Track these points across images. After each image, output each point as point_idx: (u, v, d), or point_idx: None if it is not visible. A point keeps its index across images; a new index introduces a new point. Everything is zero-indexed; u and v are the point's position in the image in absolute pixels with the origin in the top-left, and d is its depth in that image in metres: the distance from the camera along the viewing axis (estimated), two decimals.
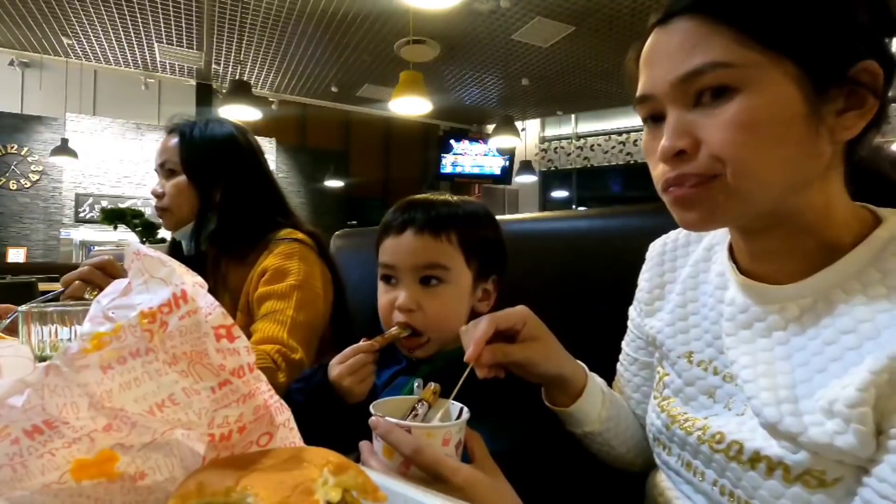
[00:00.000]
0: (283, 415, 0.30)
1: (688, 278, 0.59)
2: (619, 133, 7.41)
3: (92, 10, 4.71)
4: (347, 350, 0.64)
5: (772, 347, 0.46)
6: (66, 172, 5.91)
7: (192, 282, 0.28)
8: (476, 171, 7.93)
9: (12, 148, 5.86)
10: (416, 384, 0.60)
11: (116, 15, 4.78)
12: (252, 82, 6.28)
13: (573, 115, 7.84)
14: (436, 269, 0.67)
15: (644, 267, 0.67)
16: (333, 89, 6.78)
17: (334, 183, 7.38)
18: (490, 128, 7.73)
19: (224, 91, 5.84)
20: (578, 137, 7.85)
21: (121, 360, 0.24)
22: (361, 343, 0.65)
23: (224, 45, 5.44)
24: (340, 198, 7.64)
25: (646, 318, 0.64)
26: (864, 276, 0.42)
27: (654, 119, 0.48)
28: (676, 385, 0.56)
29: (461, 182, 7.95)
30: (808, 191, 0.44)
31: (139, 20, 4.88)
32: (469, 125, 8.41)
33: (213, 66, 5.96)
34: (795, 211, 0.45)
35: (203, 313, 0.26)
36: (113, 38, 5.29)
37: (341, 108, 7.54)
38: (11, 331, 0.77)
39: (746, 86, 0.41)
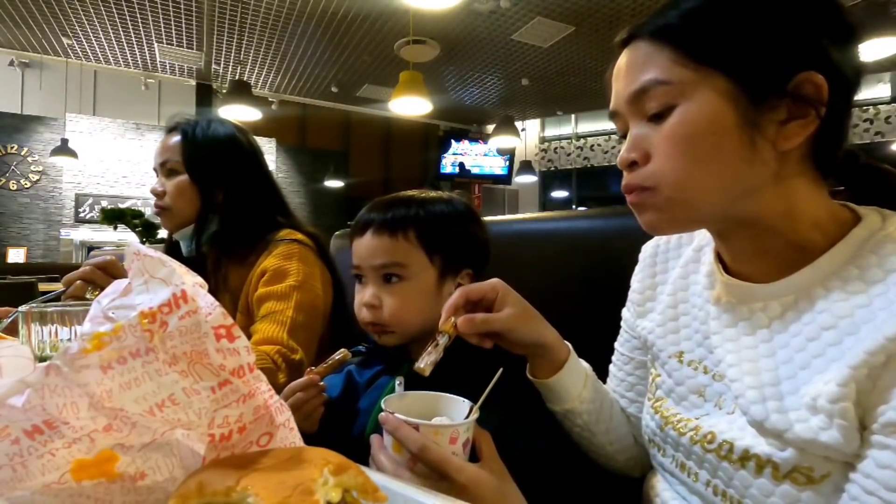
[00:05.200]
0: (283, 415, 0.30)
1: (678, 279, 0.60)
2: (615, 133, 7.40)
3: (92, 11, 4.71)
4: (287, 389, 0.64)
5: (756, 345, 0.47)
6: (66, 172, 5.91)
7: (192, 282, 0.28)
8: (476, 171, 7.93)
9: (12, 148, 5.87)
10: (397, 382, 0.61)
11: (116, 15, 4.78)
12: (252, 82, 6.28)
13: (573, 116, 7.84)
14: (393, 266, 0.70)
15: (637, 268, 0.67)
16: (333, 89, 6.78)
17: (334, 183, 7.38)
18: (490, 128, 7.74)
19: (224, 91, 5.84)
20: (578, 137, 7.85)
21: (121, 360, 0.24)
22: (301, 380, 0.65)
23: (224, 46, 5.44)
24: (340, 198, 7.64)
25: (637, 318, 0.64)
26: (844, 273, 0.43)
27: (625, 135, 0.51)
28: (668, 385, 0.56)
29: (461, 182, 7.95)
30: (760, 197, 0.45)
31: (139, 20, 4.88)
32: (469, 125, 8.42)
33: (213, 66, 5.97)
34: (751, 215, 0.46)
35: (203, 313, 0.26)
36: (113, 39, 5.29)
37: (341, 108, 7.54)
38: (12, 331, 0.77)
39: (682, 101, 0.44)
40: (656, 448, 0.57)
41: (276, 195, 1.15)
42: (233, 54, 5.66)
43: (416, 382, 0.60)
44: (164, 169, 1.09)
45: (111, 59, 5.81)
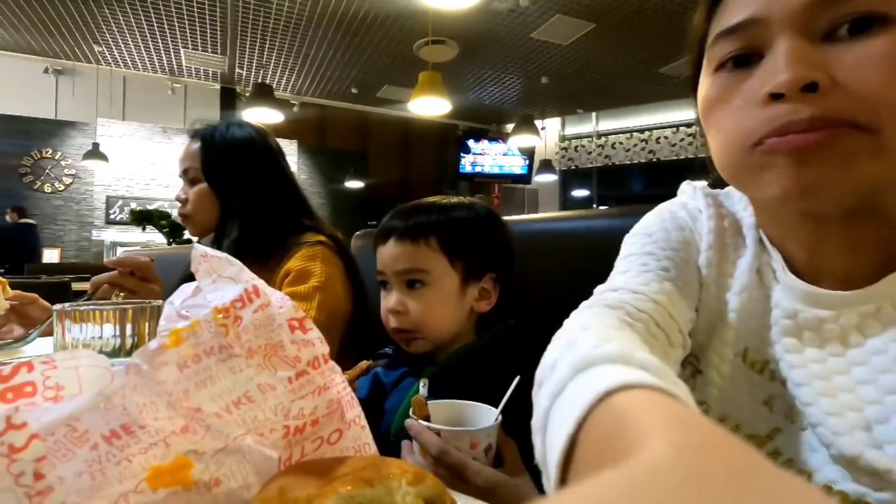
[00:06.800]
0: (354, 410, 0.30)
1: (749, 269, 0.47)
2: (641, 131, 7.29)
3: (121, 18, 4.84)
4: None
5: (824, 359, 0.40)
6: (98, 175, 6.08)
7: (259, 280, 0.28)
8: (495, 170, 7.90)
9: (47, 152, 6.06)
10: (421, 384, 0.63)
11: (144, 22, 4.90)
12: (274, 85, 6.37)
13: (594, 114, 7.75)
14: (416, 273, 0.71)
15: (705, 217, 0.49)
16: (353, 91, 6.83)
17: (354, 183, 7.44)
18: (509, 127, 7.70)
19: (247, 94, 5.93)
20: (599, 136, 7.75)
21: (196, 359, 0.24)
22: None
23: (247, 50, 5.53)
24: (360, 198, 7.70)
25: (714, 287, 0.47)
26: None
27: (739, 61, 0.37)
28: (721, 389, 0.47)
29: (480, 182, 7.93)
30: None
31: (166, 27, 4.99)
32: (488, 125, 8.39)
33: (237, 70, 6.07)
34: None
35: (275, 306, 0.26)
36: (141, 45, 5.43)
37: (361, 109, 7.60)
38: (48, 332, 0.78)
39: None
40: None
41: (297, 196, 1.15)
42: (255, 58, 5.75)
43: (439, 384, 0.62)
44: (187, 177, 1.10)
45: (139, 65, 5.96)
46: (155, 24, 4.95)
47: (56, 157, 6.09)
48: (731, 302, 0.46)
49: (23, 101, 5.96)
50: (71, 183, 6.16)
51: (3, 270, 4.06)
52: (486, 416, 0.56)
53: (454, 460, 0.50)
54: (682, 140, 6.97)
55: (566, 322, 0.38)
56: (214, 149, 1.08)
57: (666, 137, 7.12)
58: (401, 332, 0.72)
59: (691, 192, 0.53)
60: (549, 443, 0.25)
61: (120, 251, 5.32)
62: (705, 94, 0.41)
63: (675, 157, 7.02)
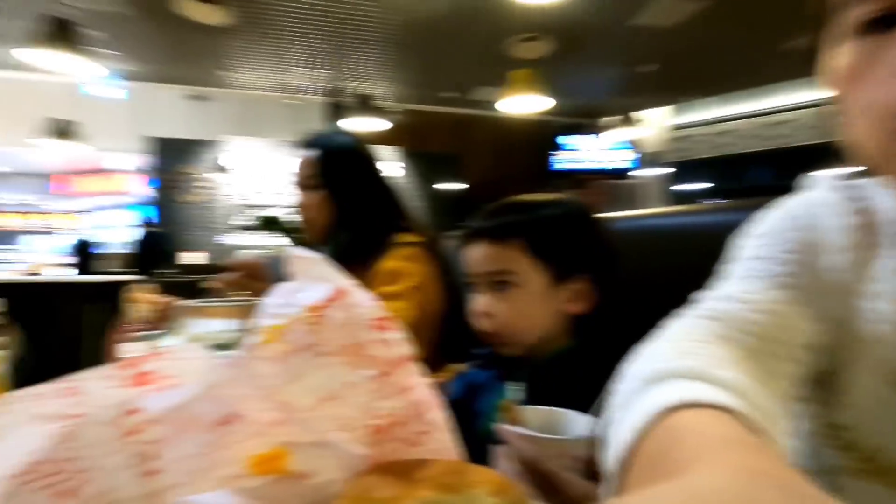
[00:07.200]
0: (439, 412, 0.29)
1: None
2: (766, 114, 6.49)
3: (244, 46, 5.47)
4: None
5: None
6: (223, 187, 6.93)
7: (348, 280, 0.29)
8: (595, 166, 7.56)
9: (185, 168, 7.03)
10: (513, 388, 0.61)
11: (262, 47, 5.48)
12: (374, 95, 6.72)
13: (705, 100, 7.08)
14: (502, 274, 0.69)
15: (837, 213, 0.42)
16: (448, 94, 6.97)
17: (451, 185, 7.60)
18: (610, 120, 7.32)
19: (350, 105, 6.34)
20: (713, 123, 7.06)
21: (289, 355, 0.25)
22: None
23: (348, 64, 5.91)
24: (457, 199, 7.81)
25: (850, 295, 0.41)
26: None
27: (880, 24, 0.32)
28: (866, 411, 0.40)
29: (579, 179, 7.63)
30: None
31: (279, 50, 5.54)
32: (587, 119, 8.05)
33: (340, 83, 6.52)
34: None
35: (362, 307, 0.26)
36: (259, 68, 6.08)
37: (456, 111, 7.73)
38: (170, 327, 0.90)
39: None
40: None
41: (397, 201, 1.19)
42: (356, 71, 6.12)
43: (531, 388, 0.60)
44: (301, 185, 1.19)
45: (257, 85, 6.68)
46: (272, 49, 5.51)
47: (191, 172, 7.02)
48: (874, 311, 0.40)
49: (165, 124, 6.97)
50: (202, 194, 7.06)
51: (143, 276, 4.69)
52: (581, 424, 0.53)
53: (545, 469, 0.47)
54: (816, 123, 6.08)
55: (656, 333, 0.37)
56: (329, 157, 1.17)
57: (797, 120, 6.26)
58: (490, 335, 0.71)
59: (820, 183, 0.46)
60: (610, 452, 0.25)
61: (239, 254, 5.99)
62: (840, 65, 0.35)
63: (810, 142, 6.13)
